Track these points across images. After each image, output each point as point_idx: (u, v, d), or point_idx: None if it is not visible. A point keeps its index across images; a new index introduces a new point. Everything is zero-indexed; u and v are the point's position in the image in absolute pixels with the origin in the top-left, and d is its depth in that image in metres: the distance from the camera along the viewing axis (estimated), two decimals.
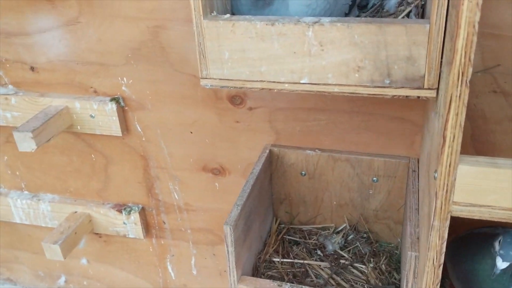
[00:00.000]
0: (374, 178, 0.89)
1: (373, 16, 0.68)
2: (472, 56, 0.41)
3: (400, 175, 0.87)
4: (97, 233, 1.18)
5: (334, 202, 0.94)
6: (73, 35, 0.92)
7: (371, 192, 0.90)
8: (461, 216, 0.48)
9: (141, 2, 0.84)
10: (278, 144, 0.93)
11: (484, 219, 0.48)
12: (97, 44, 0.91)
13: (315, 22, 0.54)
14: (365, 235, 0.94)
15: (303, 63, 0.56)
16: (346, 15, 0.64)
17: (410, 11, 0.62)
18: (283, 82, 0.58)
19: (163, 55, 0.89)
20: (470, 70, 0.41)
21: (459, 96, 0.42)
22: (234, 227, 0.69)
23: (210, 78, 0.60)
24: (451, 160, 0.45)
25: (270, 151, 0.92)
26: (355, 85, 0.56)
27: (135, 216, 1.11)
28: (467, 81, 0.42)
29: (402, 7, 0.64)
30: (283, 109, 0.88)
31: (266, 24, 0.55)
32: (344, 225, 0.95)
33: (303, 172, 0.92)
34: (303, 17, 0.55)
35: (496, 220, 0.47)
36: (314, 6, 0.60)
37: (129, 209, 1.11)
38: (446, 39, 0.50)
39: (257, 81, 0.59)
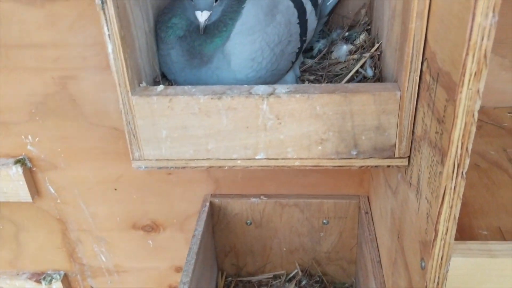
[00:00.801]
0: (325, 221, 0.83)
1: (320, 63, 0.61)
2: (470, 147, 0.35)
3: (351, 215, 0.82)
4: None
5: (284, 249, 0.87)
6: None
7: (322, 235, 0.85)
8: None
9: (43, 50, 0.70)
10: (219, 194, 0.84)
11: None
12: None
13: (270, 94, 0.45)
14: (318, 279, 0.89)
15: (258, 138, 0.48)
16: (293, 63, 0.57)
17: (365, 62, 0.56)
18: (235, 159, 0.49)
19: (74, 108, 0.76)
20: (467, 161, 0.36)
21: (454, 189, 0.37)
22: None
23: (144, 160, 0.50)
24: (444, 253, 0.40)
25: (211, 203, 0.83)
26: (318, 158, 0.49)
27: (57, 285, 0.96)
28: (464, 173, 0.36)
29: (355, 56, 0.58)
30: None
31: (212, 98, 0.46)
32: (296, 270, 0.89)
33: (248, 221, 0.85)
34: (256, 88, 0.46)
35: None
36: (260, 60, 0.51)
37: (49, 277, 0.96)
38: (418, 105, 0.44)
39: (203, 159, 0.49)
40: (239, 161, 0.50)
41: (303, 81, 0.60)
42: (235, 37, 0.50)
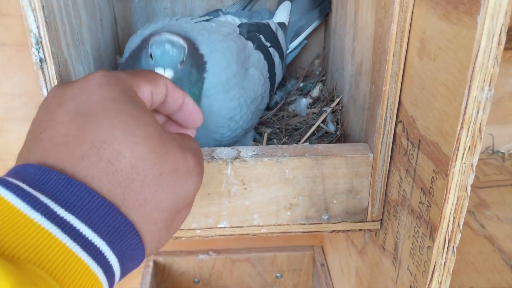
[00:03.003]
0: (278, 274, 0.79)
1: (276, 115, 0.58)
2: (462, 221, 0.33)
3: (306, 267, 0.79)
4: None
5: None
6: None
7: None
8: None
9: None
10: (164, 251, 0.77)
11: None
12: None
13: (235, 158, 0.41)
14: None
15: (221, 205, 0.43)
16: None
17: (325, 119, 0.53)
18: (194, 229, 0.44)
19: None
20: (459, 236, 0.33)
21: (444, 264, 0.34)
22: None
23: None
24: None
25: (155, 262, 0.75)
26: (287, 224, 0.45)
27: None
28: (454, 248, 0.34)
29: (315, 110, 0.55)
30: None
31: None
32: None
33: (196, 280, 0.78)
34: (218, 151, 0.42)
35: None
36: (237, 118, 0.48)
37: None
38: (392, 168, 0.42)
39: None
40: (198, 231, 0.44)
41: (260, 134, 0.56)
42: (209, 94, 0.45)
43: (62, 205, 0.22)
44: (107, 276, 0.23)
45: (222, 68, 0.46)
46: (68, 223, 0.22)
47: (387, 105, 0.40)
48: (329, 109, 0.54)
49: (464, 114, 0.29)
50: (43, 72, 0.35)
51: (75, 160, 0.24)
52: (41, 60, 0.35)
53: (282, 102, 0.58)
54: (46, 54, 0.34)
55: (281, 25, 0.55)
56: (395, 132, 0.41)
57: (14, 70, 0.60)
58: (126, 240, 0.24)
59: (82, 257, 0.22)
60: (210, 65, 0.46)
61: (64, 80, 0.37)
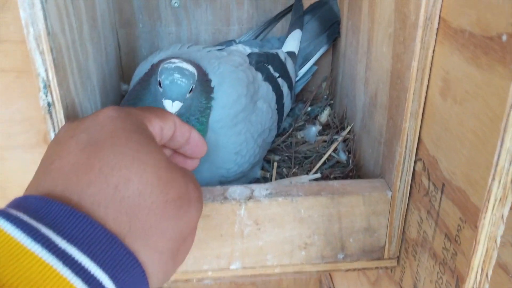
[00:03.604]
0: None
1: (284, 142, 0.56)
2: (490, 273, 0.31)
3: None
4: None
5: None
6: None
7: None
8: None
9: None
10: None
11: None
12: None
13: (248, 198, 0.40)
14: None
15: (234, 245, 0.41)
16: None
17: (336, 147, 0.52)
18: (206, 270, 0.42)
19: None
20: (487, 286, 0.32)
21: None
22: None
23: None
24: None
25: None
26: (301, 264, 0.43)
27: None
28: None
29: (325, 137, 0.54)
30: None
31: None
32: None
33: None
34: (231, 190, 0.40)
35: None
36: (244, 153, 0.47)
37: None
38: (411, 206, 0.41)
39: None
40: (210, 273, 0.43)
41: (268, 161, 0.55)
42: (216, 128, 0.43)
43: (64, 236, 0.22)
44: None
45: (231, 101, 0.44)
46: (70, 255, 0.21)
47: (406, 142, 0.38)
48: (340, 138, 0.52)
49: (497, 165, 0.28)
50: (51, 116, 0.34)
51: (82, 187, 0.23)
52: (49, 104, 0.33)
53: (291, 129, 0.56)
54: (55, 97, 0.33)
55: (291, 54, 0.54)
56: (414, 169, 0.39)
57: (14, 97, 0.58)
58: (129, 272, 0.23)
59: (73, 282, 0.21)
60: (218, 95, 0.44)
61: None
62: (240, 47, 0.51)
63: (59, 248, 0.21)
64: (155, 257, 0.25)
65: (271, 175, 0.52)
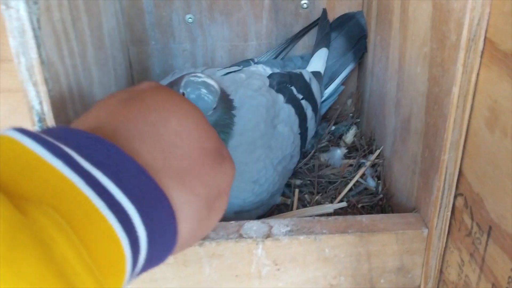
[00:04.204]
0: None
1: (306, 164, 0.52)
2: None
3: None
4: None
5: None
6: None
7: None
8: None
9: None
10: None
11: None
12: None
13: (266, 236, 0.36)
14: None
15: (251, 286, 0.38)
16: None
17: (364, 172, 0.48)
18: None
19: None
20: None
21: None
22: None
23: None
24: None
25: None
26: None
27: None
28: None
29: (351, 161, 0.50)
30: None
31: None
32: None
33: None
34: (246, 227, 0.36)
35: None
36: (262, 181, 0.43)
37: None
38: (449, 244, 0.36)
39: None
40: None
41: (288, 186, 0.51)
42: (234, 154, 0.40)
43: (88, 159, 0.19)
44: (132, 250, 0.19)
45: (249, 127, 0.41)
46: (93, 176, 0.18)
47: (445, 176, 0.34)
48: (368, 162, 0.48)
49: None
50: None
51: (117, 124, 0.22)
52: None
53: (314, 150, 0.52)
54: None
55: (316, 74, 0.50)
56: (454, 205, 0.35)
57: (20, 119, 0.56)
58: (156, 208, 0.20)
59: (107, 216, 0.18)
60: (236, 121, 0.41)
61: None
62: (260, 67, 0.47)
63: (82, 167, 0.18)
64: (190, 198, 0.22)
65: (292, 202, 0.48)
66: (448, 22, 0.30)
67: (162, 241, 0.21)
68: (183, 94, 0.37)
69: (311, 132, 0.49)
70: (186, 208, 0.22)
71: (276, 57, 0.52)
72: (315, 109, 0.48)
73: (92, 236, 0.17)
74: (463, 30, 0.29)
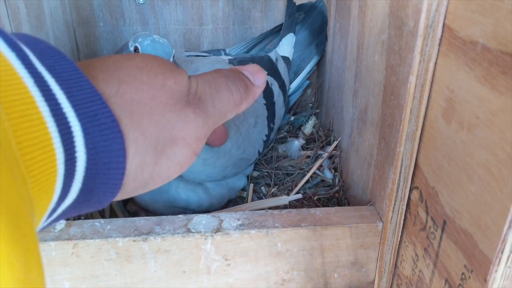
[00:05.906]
0: None
1: (264, 155, 0.51)
2: None
3: None
4: None
5: None
6: None
7: None
8: None
9: None
10: None
11: None
12: None
13: (215, 231, 0.34)
14: None
15: (199, 283, 0.36)
16: (259, 154, 0.47)
17: (321, 164, 0.46)
18: None
19: None
20: None
21: None
22: None
23: None
24: None
25: None
26: None
27: None
28: None
29: (309, 152, 0.48)
30: None
31: (134, 240, 0.33)
32: None
33: None
34: (195, 221, 0.34)
35: None
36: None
37: None
38: (404, 238, 0.35)
39: None
40: None
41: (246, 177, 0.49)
42: None
43: (45, 65, 0.18)
44: (66, 170, 0.17)
45: None
46: (45, 80, 0.17)
47: (400, 168, 0.33)
48: (325, 154, 0.46)
49: None
50: None
51: (82, 63, 0.21)
52: None
53: (273, 143, 0.50)
54: None
55: (285, 59, 0.48)
56: (409, 198, 0.34)
57: None
58: (106, 136, 0.19)
59: (48, 123, 0.17)
60: None
61: None
62: (224, 57, 0.45)
63: (35, 68, 0.17)
64: (136, 135, 0.21)
65: (247, 195, 0.47)
66: (406, 8, 0.29)
67: (105, 176, 0.19)
68: (136, 48, 0.35)
69: (279, 110, 0.47)
70: (131, 146, 0.21)
71: (248, 52, 0.50)
72: (282, 87, 0.46)
73: (26, 138, 0.16)
74: (421, 16, 0.27)
